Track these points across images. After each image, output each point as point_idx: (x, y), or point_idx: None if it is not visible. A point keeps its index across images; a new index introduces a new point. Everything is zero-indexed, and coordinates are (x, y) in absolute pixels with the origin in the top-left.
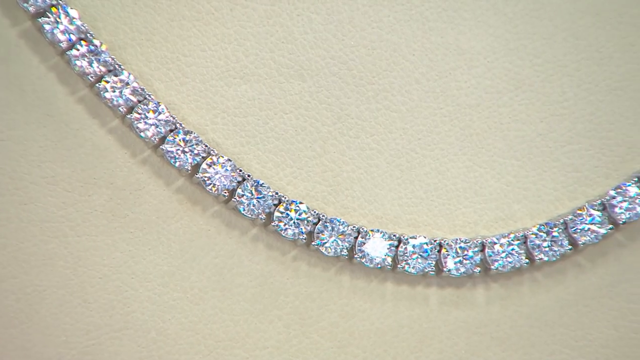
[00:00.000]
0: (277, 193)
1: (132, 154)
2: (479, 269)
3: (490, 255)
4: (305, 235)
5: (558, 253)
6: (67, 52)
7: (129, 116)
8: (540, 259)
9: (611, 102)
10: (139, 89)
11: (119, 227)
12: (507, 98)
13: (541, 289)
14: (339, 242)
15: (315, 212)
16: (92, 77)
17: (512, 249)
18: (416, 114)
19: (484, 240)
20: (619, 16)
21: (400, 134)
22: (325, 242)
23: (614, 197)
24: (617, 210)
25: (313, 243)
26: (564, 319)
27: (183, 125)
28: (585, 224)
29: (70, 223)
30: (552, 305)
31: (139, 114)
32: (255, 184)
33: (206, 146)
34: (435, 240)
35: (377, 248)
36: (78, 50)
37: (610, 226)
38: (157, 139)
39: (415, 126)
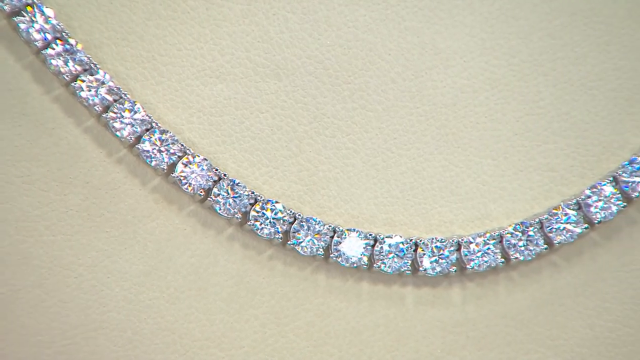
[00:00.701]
0: (253, 192)
1: (107, 153)
2: (454, 268)
3: (466, 255)
4: (281, 235)
5: (533, 252)
6: (43, 51)
7: (104, 115)
8: (516, 258)
9: (586, 102)
10: (115, 88)
11: (95, 226)
12: (483, 97)
13: (517, 288)
14: (315, 241)
15: (291, 212)
16: (67, 76)
17: (488, 248)
18: (392, 113)
19: (460, 240)
20: (594, 16)
21: (376, 133)
22: (301, 242)
23: (589, 197)
24: (592, 209)
25: (289, 242)
26: (539, 318)
27: (159, 124)
28: (561, 223)
29: (45, 222)
30: (528, 305)
31: (115, 113)
32: (231, 183)
33: (182, 145)
34: (411, 240)
35: (353, 247)
36: (53, 49)
37: (586, 225)
38: (133, 138)
39: (391, 125)
